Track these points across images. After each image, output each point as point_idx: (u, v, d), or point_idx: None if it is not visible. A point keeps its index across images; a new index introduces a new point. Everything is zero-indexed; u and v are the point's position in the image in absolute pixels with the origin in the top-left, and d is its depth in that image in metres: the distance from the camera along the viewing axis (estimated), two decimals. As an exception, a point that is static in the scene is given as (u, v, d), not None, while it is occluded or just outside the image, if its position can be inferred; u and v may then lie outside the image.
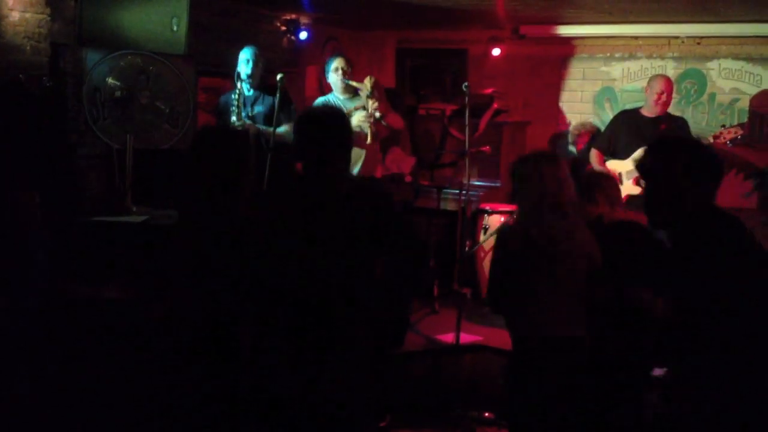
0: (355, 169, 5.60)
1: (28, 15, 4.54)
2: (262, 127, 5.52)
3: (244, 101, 5.57)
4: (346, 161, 3.09)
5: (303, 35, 7.27)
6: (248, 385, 2.88)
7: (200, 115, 6.66)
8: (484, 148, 6.48)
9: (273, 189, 3.21)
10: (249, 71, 5.56)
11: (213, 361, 2.78)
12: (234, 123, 5.49)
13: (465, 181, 5.48)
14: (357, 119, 5.45)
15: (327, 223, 2.89)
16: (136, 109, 5.22)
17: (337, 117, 3.08)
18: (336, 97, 5.73)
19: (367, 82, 5.50)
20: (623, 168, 5.83)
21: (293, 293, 2.84)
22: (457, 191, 6.22)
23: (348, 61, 5.74)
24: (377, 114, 5.41)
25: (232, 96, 5.59)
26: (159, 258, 2.95)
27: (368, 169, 5.71)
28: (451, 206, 6.78)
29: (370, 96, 5.46)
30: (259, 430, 2.92)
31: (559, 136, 7.69)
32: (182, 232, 2.91)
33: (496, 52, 7.56)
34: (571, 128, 7.51)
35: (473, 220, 6.68)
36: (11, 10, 4.42)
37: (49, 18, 4.68)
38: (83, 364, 3.72)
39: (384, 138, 5.95)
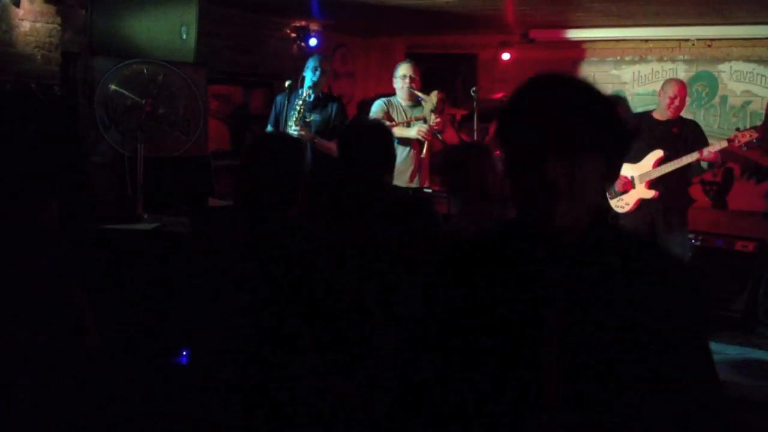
0: (404, 176, 5.60)
1: (38, 25, 4.57)
2: (317, 137, 5.58)
3: (304, 107, 5.60)
4: (389, 173, 3.13)
5: (313, 42, 7.29)
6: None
7: (211, 122, 6.69)
8: (495, 153, 6.45)
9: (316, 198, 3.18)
10: (315, 79, 5.61)
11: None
12: (291, 127, 5.51)
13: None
14: (416, 131, 5.47)
15: (369, 232, 2.90)
16: (147, 117, 5.24)
17: (381, 132, 3.12)
18: (399, 102, 5.74)
19: (434, 97, 5.50)
20: (636, 171, 5.80)
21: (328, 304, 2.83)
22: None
23: (416, 68, 5.74)
24: (436, 129, 5.43)
25: (296, 100, 5.60)
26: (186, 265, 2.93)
27: (417, 179, 5.70)
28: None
29: (434, 110, 5.46)
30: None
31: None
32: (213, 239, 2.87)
33: (505, 56, 7.55)
34: None
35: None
36: (21, 20, 4.46)
37: (59, 27, 4.71)
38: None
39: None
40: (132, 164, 5.20)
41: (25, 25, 4.48)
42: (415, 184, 5.69)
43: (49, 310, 3.53)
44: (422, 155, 5.53)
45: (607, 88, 7.46)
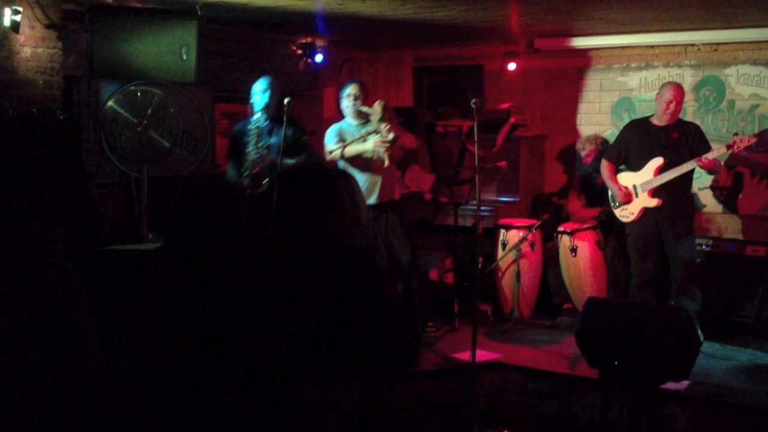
0: (373, 196, 5.63)
1: (39, 50, 4.65)
2: (277, 159, 5.53)
3: (260, 131, 5.55)
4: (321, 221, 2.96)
5: (319, 58, 7.34)
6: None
7: (219, 141, 6.76)
8: (500, 164, 6.47)
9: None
10: (266, 101, 5.54)
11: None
12: (249, 153, 5.48)
13: (476, 198, 5.48)
14: (372, 144, 5.48)
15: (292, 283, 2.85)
16: (153, 137, 5.31)
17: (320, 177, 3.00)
18: (349, 123, 5.77)
19: (377, 106, 5.52)
20: (637, 180, 5.77)
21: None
22: (474, 207, 6.20)
23: (361, 87, 5.76)
24: (390, 136, 5.42)
25: (250, 126, 5.56)
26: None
27: (386, 193, 5.73)
28: (469, 223, 6.79)
29: (382, 119, 5.48)
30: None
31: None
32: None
33: (511, 66, 7.56)
34: (577, 143, 7.46)
35: (492, 237, 6.67)
36: (23, 46, 4.53)
37: (60, 52, 4.79)
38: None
39: (400, 158, 5.96)
40: (138, 184, 5.27)
41: (26, 51, 4.56)
42: (387, 199, 5.70)
43: (54, 335, 3.57)
44: (386, 165, 5.53)
45: (614, 95, 7.45)
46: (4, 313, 3.39)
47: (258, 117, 5.52)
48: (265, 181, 5.41)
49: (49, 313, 3.54)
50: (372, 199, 5.60)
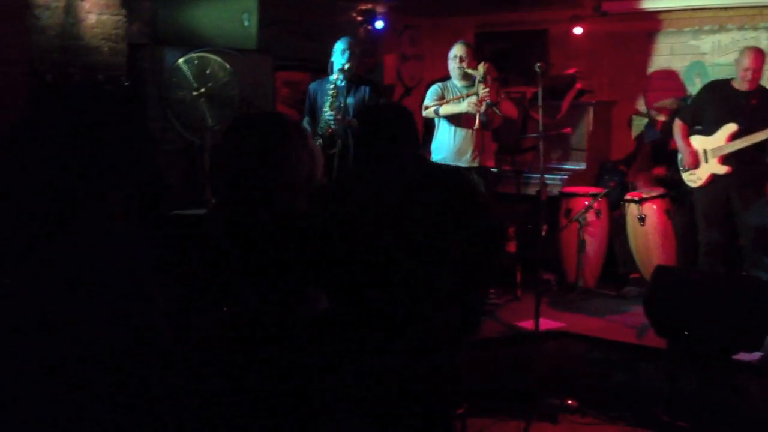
0: (464, 157, 5.59)
1: (104, 17, 4.69)
2: (353, 120, 5.53)
3: (337, 92, 5.56)
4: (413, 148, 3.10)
5: (379, 24, 7.27)
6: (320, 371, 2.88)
7: (280, 109, 6.76)
8: (565, 130, 6.34)
9: (341, 179, 3.20)
10: (344, 61, 5.54)
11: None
12: (326, 113, 5.51)
13: (540, 165, 5.39)
14: (467, 105, 5.43)
15: (396, 205, 2.87)
16: (214, 104, 5.34)
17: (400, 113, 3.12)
18: (453, 83, 5.73)
19: (480, 68, 5.48)
20: (709, 145, 5.57)
21: (365, 275, 2.84)
22: (538, 175, 6.09)
23: (468, 48, 5.74)
24: (488, 100, 5.36)
25: (327, 86, 5.57)
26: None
27: (479, 157, 5.66)
28: (532, 191, 6.67)
29: (482, 81, 5.41)
30: (334, 415, 2.93)
31: (647, 115, 7.42)
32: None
33: (577, 30, 7.37)
34: (653, 106, 7.24)
35: (556, 205, 6.55)
36: (88, 13, 4.58)
37: (125, 19, 4.83)
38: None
39: (498, 126, 5.87)
40: (201, 151, 5.31)
41: (92, 18, 4.61)
42: (476, 165, 5.63)
43: (117, 300, 3.61)
44: (475, 127, 5.45)
45: (685, 60, 7.20)
46: (62, 277, 3.44)
47: (336, 77, 5.52)
48: (338, 141, 5.41)
49: (110, 278, 3.58)
50: (463, 161, 5.55)
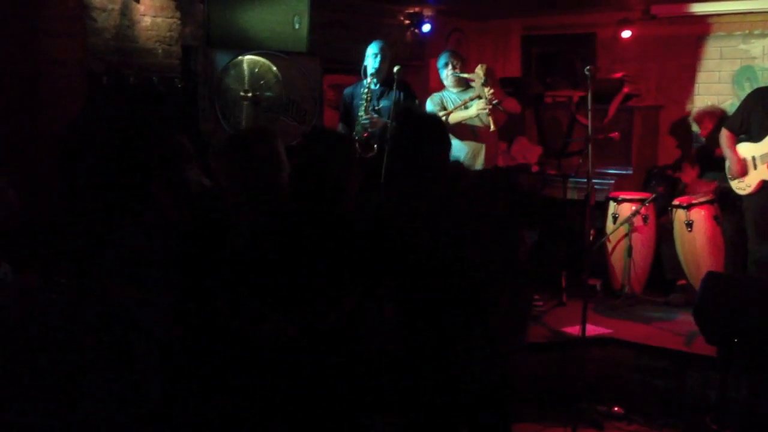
0: (478, 164, 5.56)
1: (159, 20, 4.77)
2: (388, 122, 5.55)
3: (370, 95, 5.59)
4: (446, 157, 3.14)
5: (426, 28, 7.28)
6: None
7: (327, 112, 6.80)
8: (612, 135, 6.29)
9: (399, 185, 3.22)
10: (376, 65, 5.58)
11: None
12: (361, 117, 5.54)
13: (588, 169, 5.34)
14: (476, 109, 5.41)
15: (457, 215, 2.90)
16: (264, 107, 5.38)
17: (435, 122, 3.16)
18: (449, 92, 5.72)
19: (479, 71, 5.43)
20: (757, 151, 5.48)
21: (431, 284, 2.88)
22: (584, 180, 6.05)
23: (455, 55, 5.74)
24: (495, 100, 5.34)
25: (361, 90, 5.63)
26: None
27: (490, 161, 5.66)
28: (578, 195, 6.62)
29: (485, 84, 5.39)
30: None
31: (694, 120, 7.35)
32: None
33: (626, 34, 7.32)
34: (693, 113, 7.17)
35: (603, 210, 6.51)
36: (143, 15, 4.66)
37: (179, 22, 4.90)
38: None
39: (504, 127, 5.85)
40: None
41: (146, 20, 4.69)
42: (491, 166, 5.63)
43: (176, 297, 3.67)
44: (491, 129, 5.43)
45: (735, 64, 7.11)
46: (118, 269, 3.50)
47: (369, 81, 5.54)
48: (375, 145, 5.44)
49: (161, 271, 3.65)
50: (478, 165, 5.54)
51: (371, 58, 5.63)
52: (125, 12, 4.58)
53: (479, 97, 5.40)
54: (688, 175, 6.72)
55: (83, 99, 4.42)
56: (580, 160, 6.52)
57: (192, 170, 3.18)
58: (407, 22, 7.27)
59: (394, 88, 5.36)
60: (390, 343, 2.90)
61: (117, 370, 3.37)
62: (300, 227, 2.83)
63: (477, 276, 2.87)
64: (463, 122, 5.52)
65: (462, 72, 5.62)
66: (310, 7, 5.02)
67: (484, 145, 5.59)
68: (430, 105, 5.69)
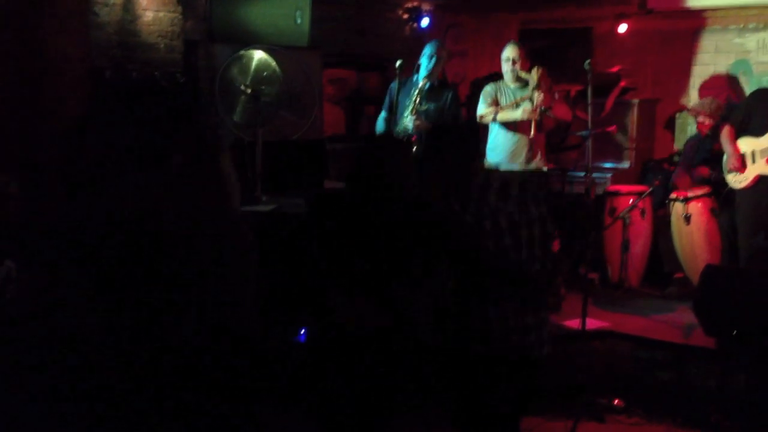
0: (518, 161, 5.62)
1: (161, 14, 4.78)
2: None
3: (420, 96, 5.62)
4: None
5: (425, 22, 7.31)
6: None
7: (326, 107, 6.81)
8: (609, 129, 6.34)
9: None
10: (431, 67, 5.61)
11: None
12: (407, 117, 5.56)
13: (587, 163, 5.39)
14: (522, 112, 5.45)
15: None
16: (265, 102, 5.39)
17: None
18: (506, 85, 5.75)
19: (534, 74, 5.47)
20: (758, 146, 5.53)
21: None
22: (583, 174, 6.08)
23: (520, 50, 5.74)
24: (542, 107, 5.38)
25: (411, 88, 5.65)
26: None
27: (533, 160, 5.71)
28: (576, 189, 6.66)
29: (537, 88, 5.42)
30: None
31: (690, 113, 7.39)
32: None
33: (622, 28, 7.36)
34: (690, 106, 7.21)
35: (600, 203, 6.55)
36: (145, 10, 4.67)
37: (181, 16, 4.91)
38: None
39: (552, 129, 5.90)
40: (251, 148, 5.36)
41: (149, 15, 4.70)
42: (532, 167, 5.66)
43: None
44: (531, 135, 5.47)
45: (730, 58, 7.16)
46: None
47: (423, 83, 5.58)
48: (415, 148, 5.47)
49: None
50: (517, 164, 5.58)
51: (426, 58, 5.66)
52: (127, 7, 4.59)
53: (530, 100, 5.44)
54: (682, 182, 6.73)
55: (87, 94, 4.42)
56: (578, 154, 6.56)
57: (226, 161, 3.18)
58: (406, 16, 7.29)
59: (448, 97, 5.49)
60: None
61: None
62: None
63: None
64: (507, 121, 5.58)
65: (522, 70, 5.63)
66: (311, 2, 5.02)
67: (527, 143, 5.64)
68: (485, 96, 5.72)
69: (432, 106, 5.59)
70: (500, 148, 5.65)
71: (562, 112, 5.67)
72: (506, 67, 5.69)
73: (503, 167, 5.58)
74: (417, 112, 5.51)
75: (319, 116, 6.38)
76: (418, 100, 5.52)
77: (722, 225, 6.10)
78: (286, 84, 5.52)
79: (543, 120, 5.48)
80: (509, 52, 5.69)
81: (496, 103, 5.60)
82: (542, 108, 5.38)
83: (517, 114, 5.48)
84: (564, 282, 6.19)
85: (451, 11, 7.83)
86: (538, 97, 5.38)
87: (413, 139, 5.50)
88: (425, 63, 5.60)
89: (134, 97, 4.62)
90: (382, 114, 5.82)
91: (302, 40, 5.11)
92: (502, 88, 5.71)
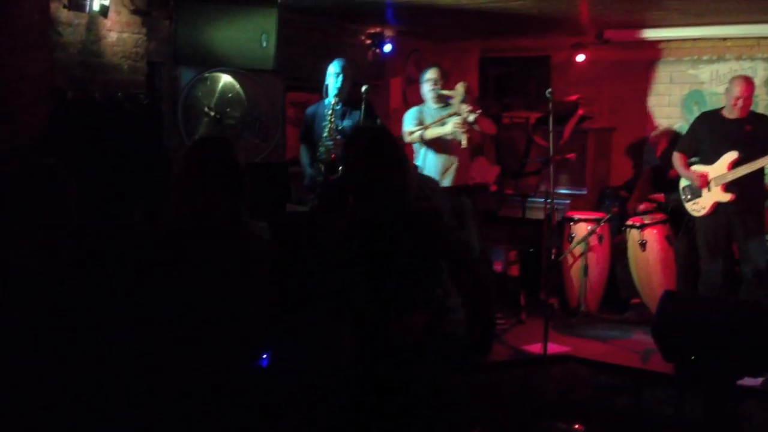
0: (448, 178, 5.64)
1: (125, 35, 4.73)
2: None
3: (334, 116, 5.56)
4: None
5: (387, 48, 7.34)
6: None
7: (288, 129, 6.80)
8: (569, 156, 6.43)
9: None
10: (338, 85, 5.57)
11: None
12: (325, 138, 5.51)
13: (550, 189, 5.45)
14: (452, 126, 5.48)
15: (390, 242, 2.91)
16: (228, 125, 5.38)
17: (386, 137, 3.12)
18: (429, 107, 5.78)
19: (460, 87, 5.53)
20: (710, 174, 5.65)
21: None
22: (542, 200, 6.15)
23: (441, 72, 5.79)
24: (471, 117, 5.43)
25: (323, 110, 5.60)
26: None
27: (461, 177, 5.73)
28: (536, 215, 6.73)
29: (463, 101, 5.48)
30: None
31: (646, 142, 7.56)
32: None
33: (580, 58, 7.50)
34: (651, 135, 7.40)
35: (559, 229, 6.63)
36: (109, 30, 4.63)
37: (145, 38, 4.87)
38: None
39: (478, 143, 5.94)
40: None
41: (113, 36, 4.65)
42: (461, 183, 5.70)
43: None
44: (463, 145, 5.52)
45: (684, 88, 7.34)
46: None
47: (333, 102, 5.55)
48: (340, 167, 5.44)
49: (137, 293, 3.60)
50: (446, 182, 5.60)
51: (333, 77, 5.58)
52: (91, 27, 4.54)
53: (456, 114, 5.48)
54: (641, 196, 6.87)
55: (47, 114, 4.35)
56: (538, 181, 6.65)
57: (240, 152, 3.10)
58: (368, 41, 7.32)
59: (362, 108, 5.38)
60: None
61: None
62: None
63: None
64: (440, 137, 5.60)
65: (443, 89, 5.69)
66: (277, 26, 5.02)
67: (456, 160, 5.66)
68: (409, 118, 5.74)
69: (348, 122, 5.57)
70: (428, 167, 5.67)
71: (486, 125, 5.73)
72: (427, 88, 5.76)
73: None
74: (335, 134, 5.49)
75: (281, 139, 6.38)
76: (333, 119, 5.51)
77: (678, 251, 6.21)
78: (249, 107, 5.51)
79: (471, 133, 5.52)
80: (431, 74, 5.77)
81: (421, 123, 5.65)
82: (470, 120, 5.42)
83: (447, 128, 5.52)
84: (525, 307, 6.26)
85: (412, 37, 7.90)
86: (465, 108, 5.44)
87: (333, 157, 5.48)
88: (333, 82, 5.58)
89: (96, 118, 4.56)
90: (302, 147, 5.77)
91: (267, 63, 5.10)
92: (424, 111, 5.77)
